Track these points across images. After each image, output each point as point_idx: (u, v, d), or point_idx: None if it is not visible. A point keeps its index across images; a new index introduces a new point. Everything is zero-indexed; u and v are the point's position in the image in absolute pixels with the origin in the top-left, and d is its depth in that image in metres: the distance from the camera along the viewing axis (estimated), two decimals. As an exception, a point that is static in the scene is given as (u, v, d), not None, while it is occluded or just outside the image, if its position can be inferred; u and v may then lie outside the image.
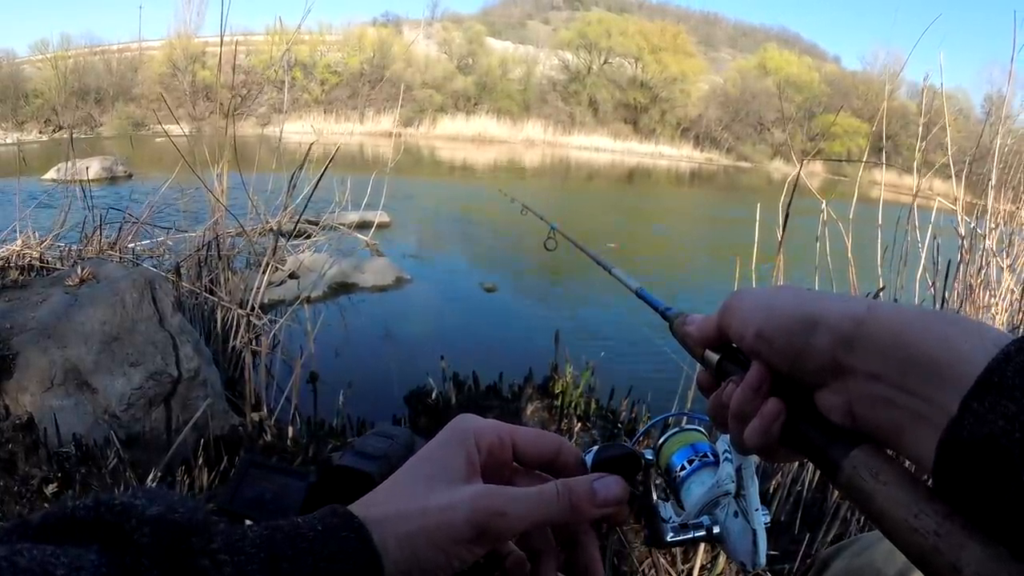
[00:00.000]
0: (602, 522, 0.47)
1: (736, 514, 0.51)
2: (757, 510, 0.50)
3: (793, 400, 0.43)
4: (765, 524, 0.51)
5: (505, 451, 0.47)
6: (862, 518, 2.21)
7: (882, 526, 0.35)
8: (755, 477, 0.51)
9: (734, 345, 0.48)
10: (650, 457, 0.57)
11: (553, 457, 0.49)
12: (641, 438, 0.67)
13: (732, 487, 0.51)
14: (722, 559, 2.00)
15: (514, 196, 3.07)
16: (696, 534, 0.54)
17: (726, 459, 0.52)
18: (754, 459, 0.51)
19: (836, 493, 2.28)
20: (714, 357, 0.50)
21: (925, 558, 0.32)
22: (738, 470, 0.51)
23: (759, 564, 0.51)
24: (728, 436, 0.49)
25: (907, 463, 0.37)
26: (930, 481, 0.34)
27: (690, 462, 0.55)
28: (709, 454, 0.55)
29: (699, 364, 0.52)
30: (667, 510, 0.55)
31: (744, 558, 0.51)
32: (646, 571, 2.05)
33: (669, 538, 0.54)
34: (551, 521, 0.45)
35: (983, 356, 0.32)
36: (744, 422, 0.45)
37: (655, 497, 0.56)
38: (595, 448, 0.53)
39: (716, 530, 0.53)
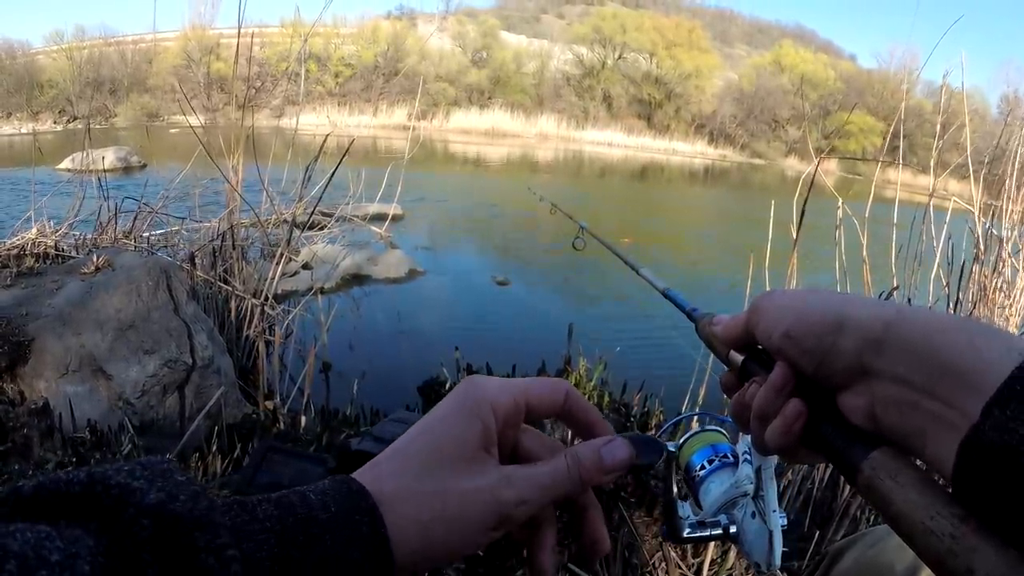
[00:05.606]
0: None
1: (754, 515, 0.52)
2: (775, 511, 0.51)
3: (815, 401, 0.43)
4: (782, 526, 0.51)
5: (519, 415, 0.46)
6: (872, 516, 2.20)
7: (899, 528, 0.36)
8: (774, 479, 0.51)
9: (759, 347, 0.49)
10: (672, 449, 0.57)
11: (562, 405, 0.47)
12: (663, 434, 0.68)
13: (751, 488, 0.52)
14: (732, 555, 2.01)
15: (542, 195, 3.06)
16: (713, 532, 0.54)
17: (745, 460, 0.53)
18: (774, 461, 0.51)
19: (846, 492, 2.28)
20: (738, 358, 0.50)
21: (940, 560, 0.33)
22: (758, 471, 0.51)
23: (774, 565, 0.52)
24: (749, 438, 0.50)
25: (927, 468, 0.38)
26: (949, 486, 0.34)
27: (709, 462, 0.55)
28: (729, 455, 0.56)
29: (724, 365, 0.52)
30: (685, 509, 0.55)
31: (759, 559, 0.52)
32: (656, 564, 2.06)
33: (686, 534, 0.54)
34: (565, 498, 0.44)
35: (1009, 364, 0.33)
36: (766, 422, 0.45)
37: (675, 491, 0.56)
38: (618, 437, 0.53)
39: (733, 529, 0.54)
